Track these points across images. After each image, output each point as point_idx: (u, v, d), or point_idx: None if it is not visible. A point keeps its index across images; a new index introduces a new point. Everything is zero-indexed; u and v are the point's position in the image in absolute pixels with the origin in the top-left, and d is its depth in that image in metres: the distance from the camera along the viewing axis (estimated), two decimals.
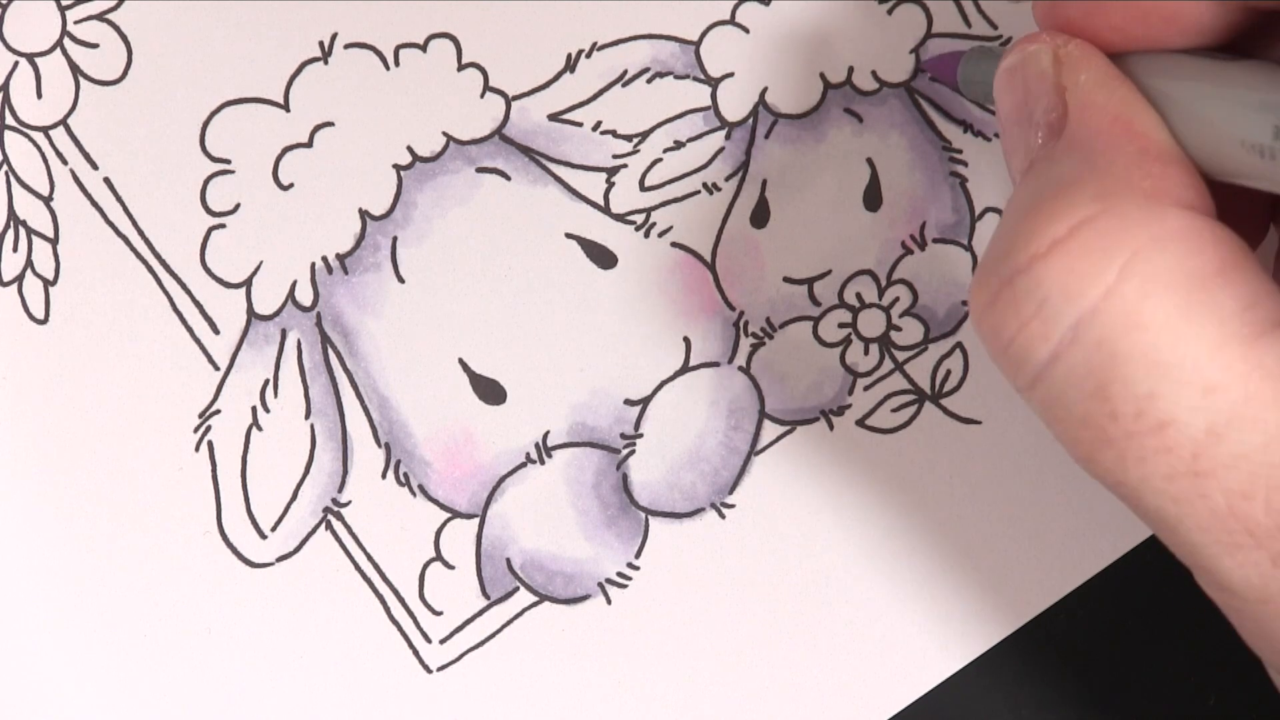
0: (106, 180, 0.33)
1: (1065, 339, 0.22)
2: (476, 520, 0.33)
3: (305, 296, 0.33)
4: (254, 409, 0.33)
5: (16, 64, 0.33)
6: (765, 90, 0.33)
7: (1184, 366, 0.21)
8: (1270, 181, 0.23)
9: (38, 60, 0.33)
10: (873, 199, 0.33)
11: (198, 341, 0.33)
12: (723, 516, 0.33)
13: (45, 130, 0.33)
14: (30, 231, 0.33)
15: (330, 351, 0.33)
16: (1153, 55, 0.25)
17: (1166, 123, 0.24)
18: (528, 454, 0.33)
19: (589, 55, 0.33)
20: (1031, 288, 0.22)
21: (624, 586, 0.33)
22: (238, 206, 0.33)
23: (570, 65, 0.33)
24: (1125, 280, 0.22)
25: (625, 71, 0.33)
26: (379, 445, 0.33)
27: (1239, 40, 0.25)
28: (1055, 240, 0.22)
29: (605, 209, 0.33)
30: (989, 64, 0.29)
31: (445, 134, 0.33)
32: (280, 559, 0.33)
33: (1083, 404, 0.22)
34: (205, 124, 0.33)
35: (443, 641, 0.33)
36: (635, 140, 0.33)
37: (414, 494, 0.33)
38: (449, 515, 0.33)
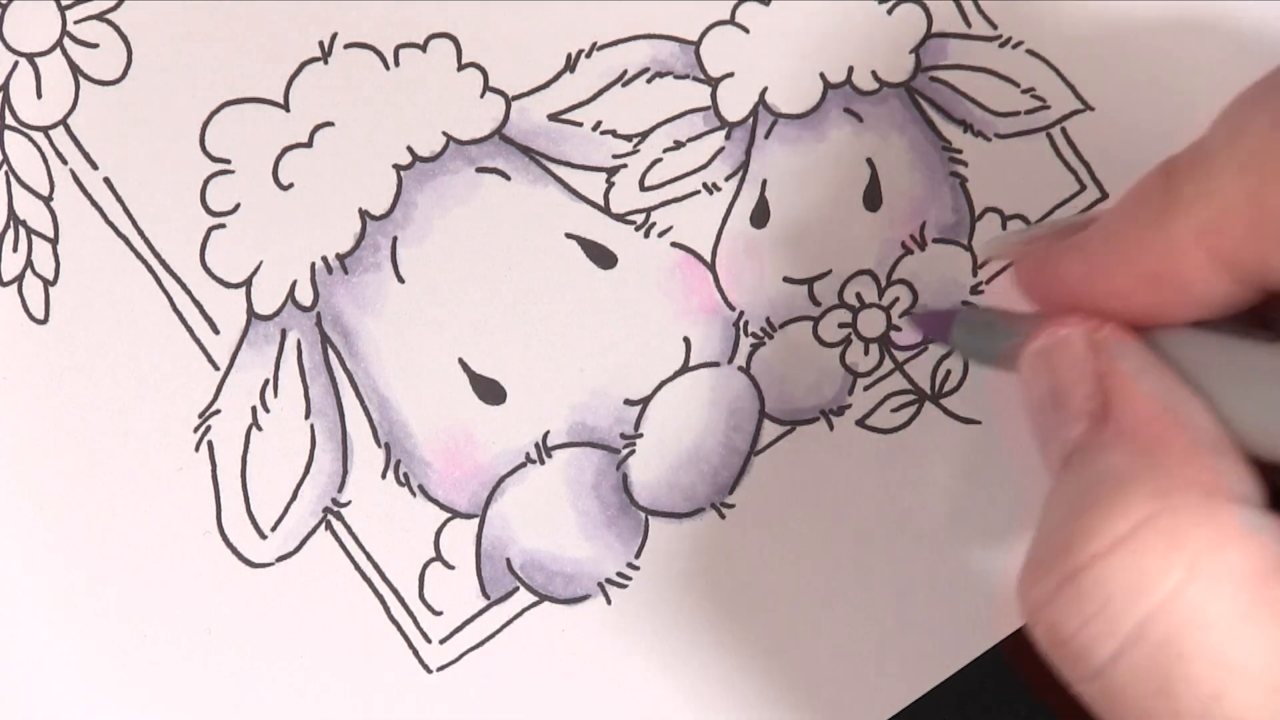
0: (106, 180, 0.33)
1: (1130, 638, 0.22)
2: (476, 520, 0.33)
3: (305, 296, 0.33)
4: (254, 409, 0.33)
5: (16, 64, 0.33)
6: (765, 90, 0.33)
7: (1250, 667, 0.21)
8: None
9: (38, 60, 0.33)
10: (873, 199, 0.33)
11: (198, 341, 0.33)
12: (723, 516, 0.33)
13: (45, 130, 0.33)
14: (30, 231, 0.33)
15: (330, 351, 0.33)
16: (1189, 335, 0.25)
17: (1211, 407, 0.24)
18: (528, 454, 0.33)
19: (589, 55, 0.33)
20: (1095, 586, 0.22)
21: (624, 586, 0.33)
22: (238, 206, 0.33)
23: (570, 65, 0.33)
24: (1191, 580, 0.22)
25: (625, 71, 0.33)
26: (379, 445, 0.33)
27: (1253, 314, 0.25)
28: (1118, 538, 0.22)
29: (605, 209, 0.33)
30: (988, 329, 0.28)
31: (445, 134, 0.33)
32: (280, 559, 0.33)
33: (1146, 701, 0.22)
34: (205, 124, 0.33)
35: (443, 641, 0.33)
36: (635, 140, 0.33)
37: (414, 494, 0.33)
38: (449, 515, 0.33)
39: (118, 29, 0.33)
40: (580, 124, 0.33)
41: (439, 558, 0.33)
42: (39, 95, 0.33)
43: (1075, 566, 0.22)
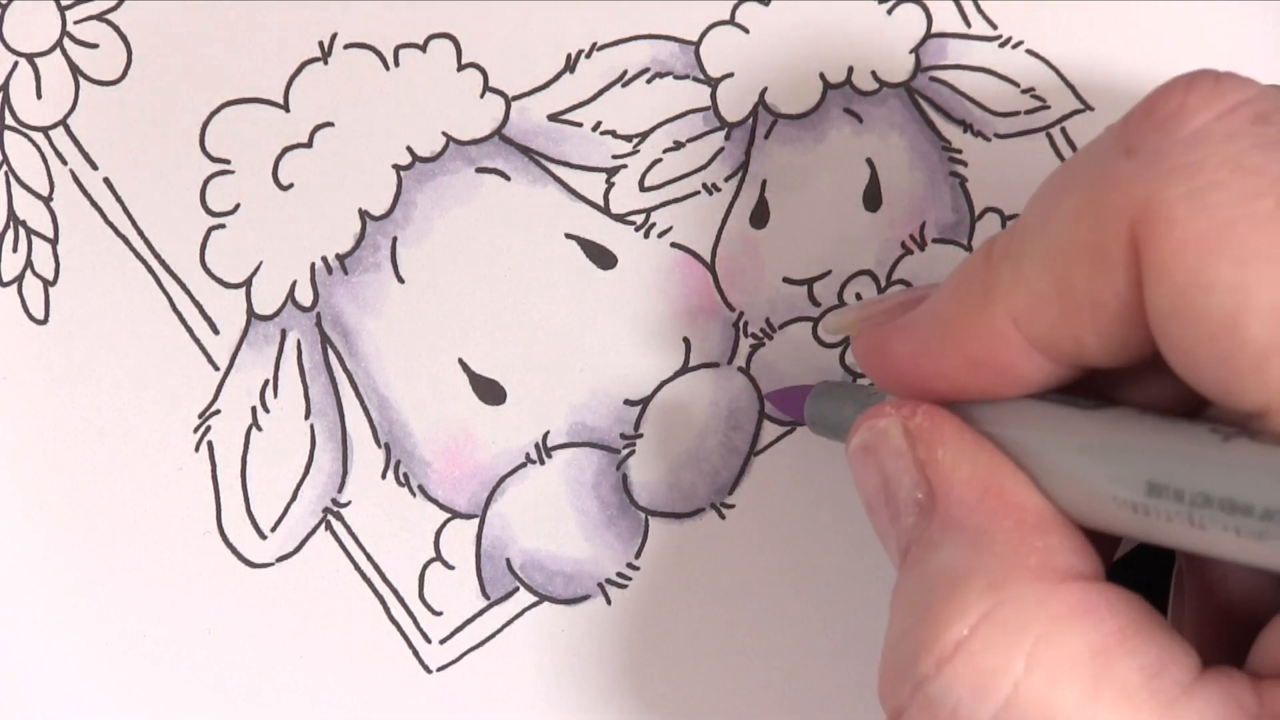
0: (106, 180, 0.33)
1: None
2: (476, 520, 0.33)
3: (305, 296, 0.33)
4: (254, 409, 0.33)
5: (16, 64, 0.33)
6: (765, 90, 0.33)
7: None
8: (1148, 536, 0.23)
9: (38, 60, 0.33)
10: (872, 199, 0.33)
11: (198, 341, 0.33)
12: (723, 516, 0.33)
13: (45, 130, 0.33)
14: (30, 231, 0.33)
15: (330, 351, 0.33)
16: (1015, 405, 0.25)
17: (1035, 480, 0.24)
18: (527, 454, 0.33)
19: (589, 55, 0.33)
20: (943, 692, 0.22)
21: (624, 586, 0.33)
22: (237, 206, 0.33)
23: (570, 65, 0.33)
24: (1031, 671, 0.22)
25: (625, 71, 0.33)
26: (379, 445, 0.33)
27: (1086, 386, 0.25)
28: (959, 641, 0.22)
29: (605, 209, 0.33)
30: (838, 404, 0.28)
31: (445, 134, 0.33)
32: (280, 559, 0.33)
33: None
34: (205, 124, 0.33)
35: (443, 641, 0.33)
36: (635, 140, 0.33)
37: (414, 494, 0.33)
38: (449, 515, 0.33)
39: (118, 29, 0.33)
40: (580, 124, 0.33)
41: (439, 558, 0.33)
42: (39, 95, 0.33)
43: (922, 675, 0.23)
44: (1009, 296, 0.24)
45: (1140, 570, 0.27)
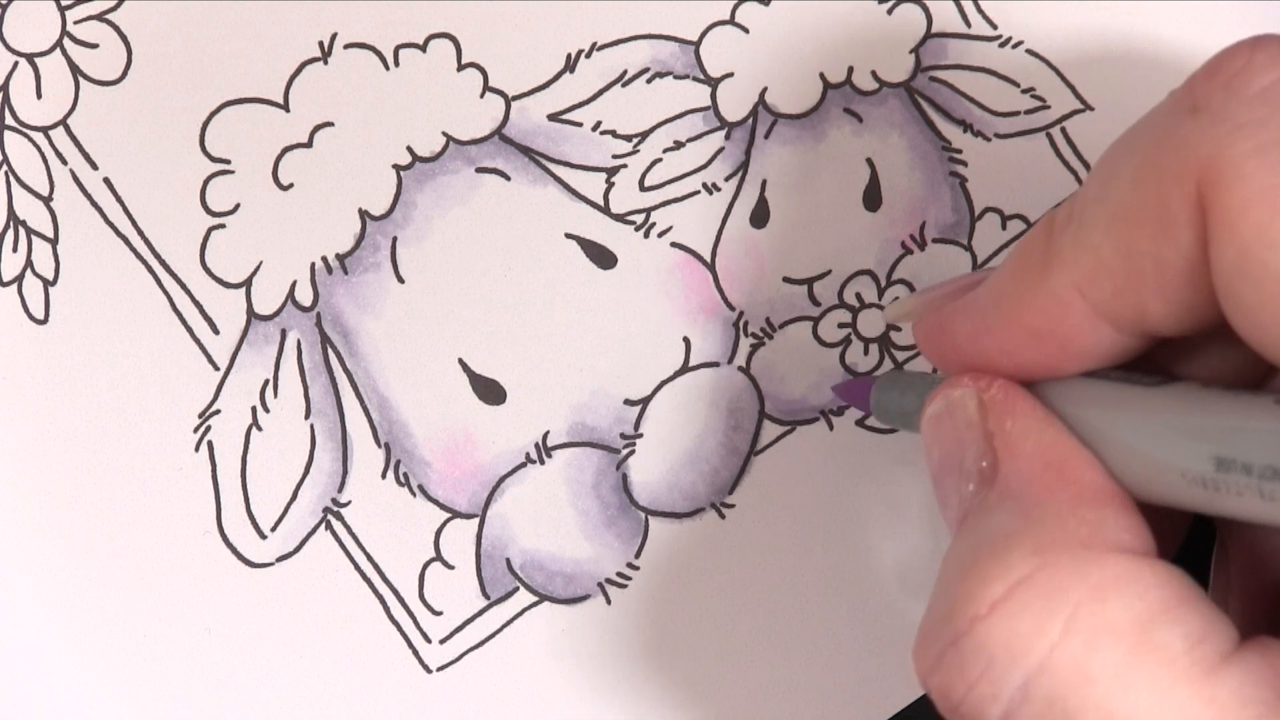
0: (106, 180, 0.33)
1: (1015, 698, 0.22)
2: (476, 520, 0.33)
3: (305, 296, 0.33)
4: (254, 409, 0.33)
5: (16, 64, 0.33)
6: (765, 90, 0.33)
7: (1136, 715, 0.21)
8: (1215, 509, 0.23)
9: (38, 60, 0.33)
10: (872, 199, 0.33)
11: (198, 341, 0.33)
12: (723, 516, 0.33)
13: (45, 130, 0.33)
14: (30, 231, 0.33)
15: (330, 351, 0.33)
16: (1080, 384, 0.25)
17: (1100, 457, 0.24)
18: (527, 454, 0.33)
19: (589, 55, 0.33)
20: (976, 650, 0.22)
21: (624, 586, 0.33)
22: (238, 206, 0.33)
23: (570, 65, 0.33)
24: (1069, 635, 0.22)
25: (625, 71, 0.33)
26: (379, 445, 0.33)
27: (1148, 359, 0.25)
28: (994, 601, 0.22)
29: (605, 209, 0.33)
30: (903, 392, 0.28)
31: (445, 134, 0.33)
32: (280, 559, 0.33)
33: None
34: (205, 124, 0.33)
35: (443, 641, 0.33)
36: (635, 140, 0.33)
37: (414, 494, 0.33)
38: (449, 515, 0.33)
39: (118, 29, 0.33)
40: (580, 124, 0.33)
41: (439, 558, 0.33)
42: (39, 95, 0.33)
43: (957, 632, 0.23)
44: (1072, 264, 0.23)
45: (1183, 549, 0.27)
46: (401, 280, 0.33)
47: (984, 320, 0.25)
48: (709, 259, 0.33)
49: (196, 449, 0.33)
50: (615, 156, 0.33)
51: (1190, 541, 0.27)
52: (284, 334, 0.33)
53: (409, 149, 0.33)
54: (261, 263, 0.33)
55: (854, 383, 0.31)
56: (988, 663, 0.22)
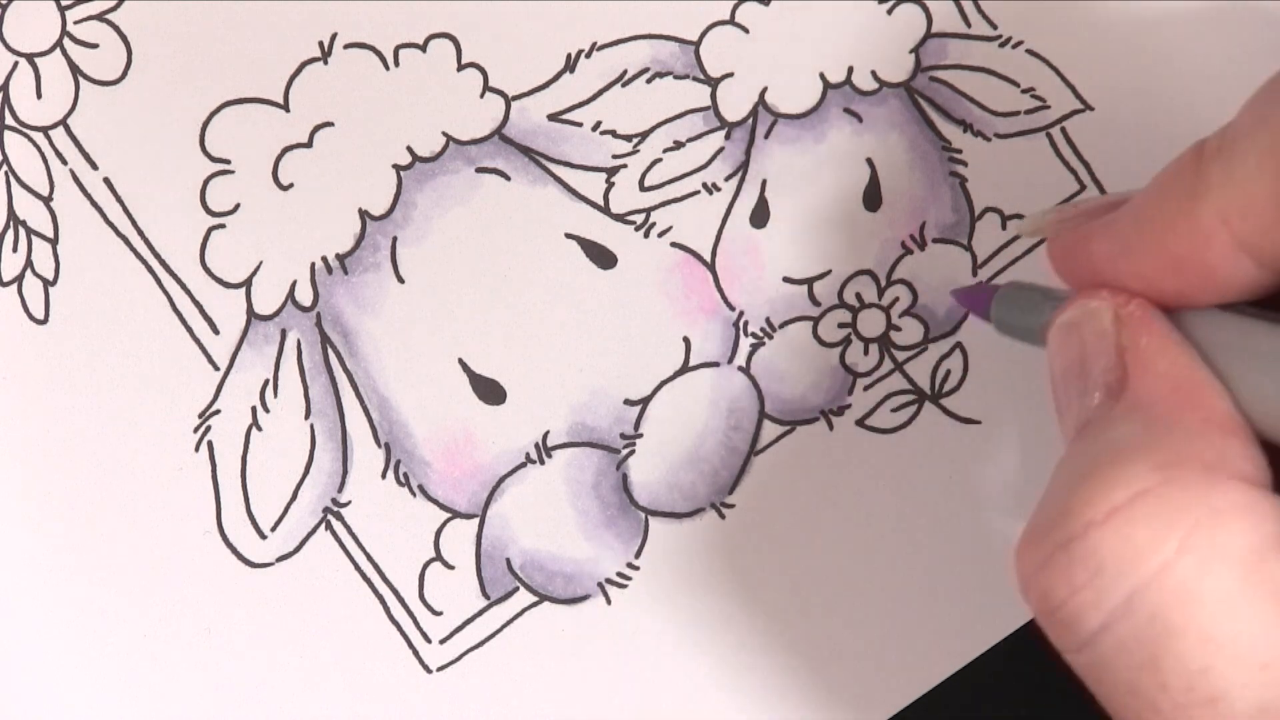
0: (106, 180, 0.33)
1: (1118, 610, 0.22)
2: (476, 520, 0.33)
3: (305, 296, 0.33)
4: (254, 409, 0.33)
5: (16, 64, 0.33)
6: (765, 90, 0.33)
7: (1239, 643, 0.21)
8: None
9: (38, 60, 0.33)
10: (872, 199, 0.33)
11: (198, 341, 0.33)
12: (723, 516, 0.33)
13: (45, 130, 0.33)
14: (30, 231, 0.33)
15: (330, 351, 0.33)
16: (1213, 316, 0.25)
17: (1229, 388, 0.24)
18: (527, 454, 0.33)
19: (589, 55, 0.33)
20: (1087, 555, 0.22)
21: (624, 586, 0.33)
22: (238, 206, 0.33)
23: (570, 65, 0.33)
24: (1184, 553, 0.21)
25: (625, 71, 0.33)
26: (379, 445, 0.33)
27: (1276, 299, 0.25)
28: (1114, 508, 0.22)
29: (605, 209, 0.33)
30: (1027, 304, 0.28)
31: (445, 134, 0.33)
32: (280, 559, 0.33)
33: (1132, 673, 0.22)
34: (205, 124, 0.33)
35: (443, 641, 0.33)
36: (635, 140, 0.33)
37: (414, 494, 0.33)
38: (449, 515, 0.33)
39: (118, 29, 0.33)
40: (580, 124, 0.33)
41: (439, 558, 0.33)
42: (39, 95, 0.33)
43: (1069, 535, 0.22)
44: (1220, 195, 0.23)
45: None
46: (401, 280, 0.33)
47: (1124, 243, 0.25)
48: (709, 259, 0.33)
49: (196, 449, 0.33)
50: (615, 156, 0.33)
51: None
52: (284, 334, 0.33)
53: (409, 149, 0.33)
54: (261, 263, 0.33)
55: (974, 289, 0.30)
56: (1096, 569, 0.22)
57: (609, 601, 0.33)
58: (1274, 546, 0.22)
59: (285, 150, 0.33)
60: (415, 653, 0.33)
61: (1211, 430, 0.23)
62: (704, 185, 0.33)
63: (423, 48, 0.33)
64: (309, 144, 0.33)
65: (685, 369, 0.33)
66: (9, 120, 0.33)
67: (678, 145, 0.33)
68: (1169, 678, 0.22)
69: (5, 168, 0.33)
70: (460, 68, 0.33)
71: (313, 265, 0.33)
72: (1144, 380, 0.24)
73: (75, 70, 0.33)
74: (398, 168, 0.33)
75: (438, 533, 0.33)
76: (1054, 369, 0.26)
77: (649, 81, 0.33)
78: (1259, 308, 0.25)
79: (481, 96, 0.33)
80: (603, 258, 0.33)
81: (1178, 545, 0.22)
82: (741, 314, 0.33)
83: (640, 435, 0.33)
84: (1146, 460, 0.22)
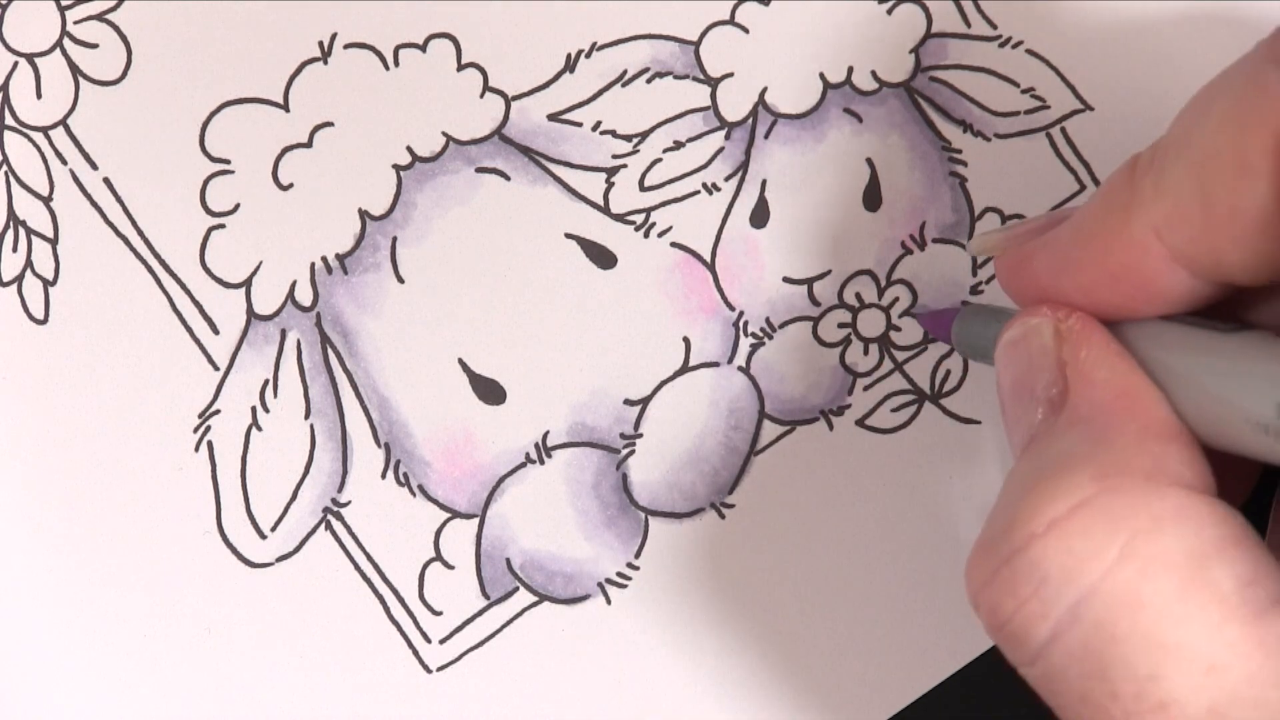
0: (106, 180, 0.33)
1: (1065, 619, 0.22)
2: (476, 520, 0.33)
3: (305, 296, 0.33)
4: (254, 409, 0.33)
5: (16, 64, 0.33)
6: (765, 90, 0.33)
7: (1185, 647, 0.21)
8: (1276, 457, 0.23)
9: (37, 60, 0.33)
10: (872, 199, 0.33)
11: (197, 341, 0.33)
12: (723, 516, 0.33)
13: (45, 130, 0.33)
14: (30, 231, 0.33)
15: (330, 351, 0.33)
16: (1153, 326, 0.25)
17: (1168, 396, 0.24)
18: (527, 454, 0.33)
19: (589, 55, 0.33)
20: (1030, 567, 0.22)
21: (624, 586, 0.33)
22: (237, 206, 0.33)
23: (570, 65, 0.33)
24: (1125, 561, 0.22)
25: (625, 71, 0.33)
26: (379, 445, 0.33)
27: (1224, 306, 0.25)
28: (1054, 520, 0.22)
29: (605, 209, 0.33)
30: (984, 325, 0.29)
31: (445, 134, 0.33)
32: (280, 559, 0.33)
33: (1082, 683, 0.22)
34: (205, 124, 0.33)
35: (443, 641, 0.33)
36: (635, 140, 0.33)
37: (414, 494, 0.33)
38: (449, 515, 0.33)
39: (118, 29, 0.33)
40: (580, 124, 0.33)
41: (439, 558, 0.33)
42: (39, 95, 0.33)
43: (1013, 548, 0.23)
44: (1152, 207, 0.24)
45: (1248, 503, 0.27)
46: (401, 280, 0.33)
47: (1064, 258, 0.25)
48: (709, 259, 0.33)
49: (196, 449, 0.33)
50: (615, 156, 0.33)
51: (1256, 495, 0.28)
52: (284, 334, 0.33)
53: (409, 149, 0.33)
54: (261, 263, 0.33)
55: (937, 313, 0.31)
56: (1041, 581, 0.22)
57: (609, 601, 0.33)
58: (1215, 550, 0.22)
59: (285, 150, 0.33)
60: (415, 653, 0.33)
61: (1150, 438, 0.23)
62: (704, 185, 0.33)
63: (423, 48, 0.33)
64: (309, 144, 0.33)
65: (685, 369, 0.33)
66: (9, 120, 0.33)
67: (678, 145, 0.33)
68: (1118, 685, 0.22)
69: (5, 168, 0.33)
70: (460, 68, 0.33)
71: (312, 265, 0.33)
72: (1085, 392, 0.24)
73: (75, 70, 0.33)
74: (398, 168, 0.33)
75: (438, 533, 0.33)
76: (1001, 387, 0.26)
77: (649, 81, 0.33)
78: (1202, 318, 0.25)
79: (481, 96, 0.33)
80: (603, 258, 0.33)
81: (1119, 553, 0.22)
82: (741, 314, 0.33)
83: (640, 435, 0.33)
84: (1086, 471, 0.23)
